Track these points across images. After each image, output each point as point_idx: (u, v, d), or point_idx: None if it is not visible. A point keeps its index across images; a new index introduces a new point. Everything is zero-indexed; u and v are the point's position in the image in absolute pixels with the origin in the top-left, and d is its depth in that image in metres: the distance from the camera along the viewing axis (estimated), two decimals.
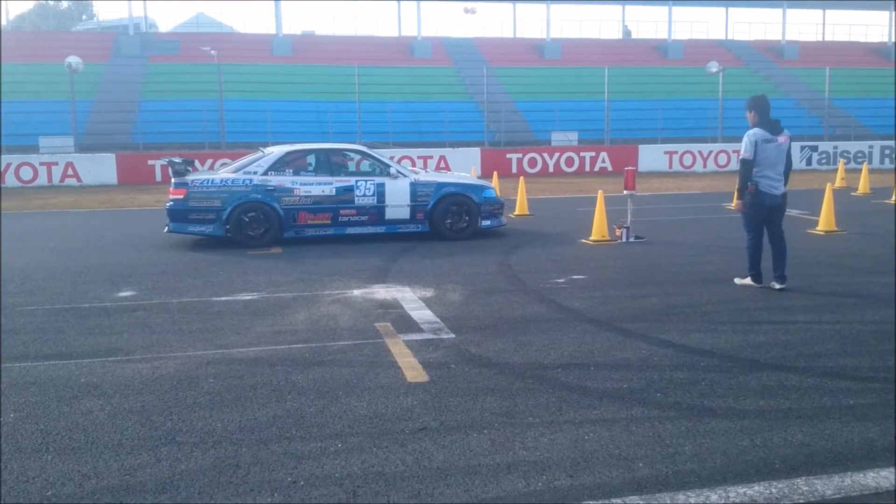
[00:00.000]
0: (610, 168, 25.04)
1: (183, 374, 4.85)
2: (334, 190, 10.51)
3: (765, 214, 7.20)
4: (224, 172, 10.54)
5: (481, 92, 28.67)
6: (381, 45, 36.63)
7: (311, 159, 11.03)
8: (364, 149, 11.59)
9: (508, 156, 24.90)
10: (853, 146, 26.99)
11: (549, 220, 13.30)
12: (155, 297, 7.17)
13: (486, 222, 11.05)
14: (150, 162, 22.40)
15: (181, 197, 10.16)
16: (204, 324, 6.14)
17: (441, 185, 10.98)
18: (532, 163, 24.97)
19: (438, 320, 6.14)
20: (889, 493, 3.19)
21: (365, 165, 11.22)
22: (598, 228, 10.41)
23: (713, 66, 27.58)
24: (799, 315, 6.28)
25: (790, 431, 3.83)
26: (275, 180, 10.32)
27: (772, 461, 3.50)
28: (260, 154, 10.90)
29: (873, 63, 37.78)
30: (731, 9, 41.00)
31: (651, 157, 25.63)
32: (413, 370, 4.85)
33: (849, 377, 4.68)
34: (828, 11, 42.21)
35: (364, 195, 10.59)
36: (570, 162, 25.30)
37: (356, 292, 7.31)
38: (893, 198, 15.10)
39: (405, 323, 6.09)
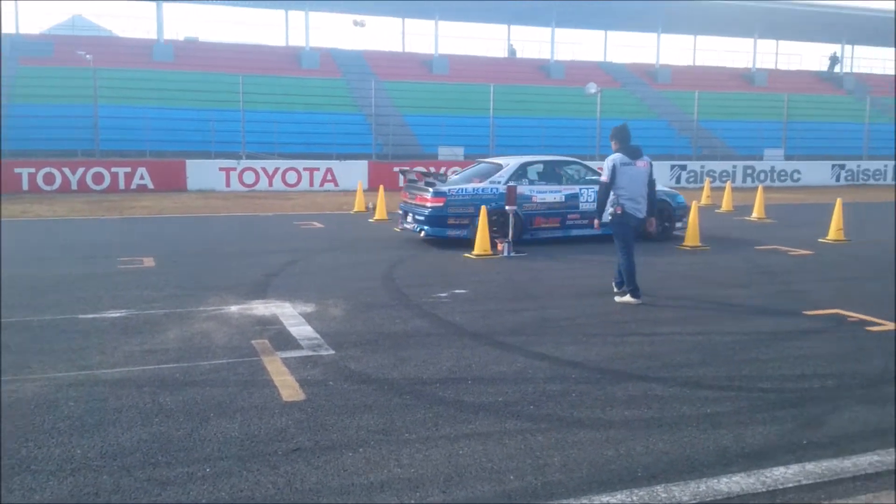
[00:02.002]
0: None
1: (42, 397, 4.58)
2: (563, 197, 11.81)
3: (631, 232, 7.71)
4: (473, 183, 11.62)
5: (370, 105, 28.65)
6: (267, 55, 36.00)
7: (541, 169, 12.25)
8: (580, 161, 13.03)
9: (396, 169, 24.97)
10: (719, 166, 28.67)
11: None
12: (15, 315, 6.74)
13: (678, 224, 12.46)
14: (17, 170, 21.06)
15: (441, 204, 11.16)
16: (67, 343, 5.83)
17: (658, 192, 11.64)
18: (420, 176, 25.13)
19: (318, 336, 6.07)
20: (741, 497, 3.39)
21: (583, 174, 12.46)
22: (481, 242, 10.59)
23: (592, 87, 28.64)
24: (665, 327, 6.61)
25: (652, 440, 4.02)
26: (517, 189, 11.14)
27: (634, 469, 3.65)
28: (495, 165, 12.09)
29: (739, 87, 40.26)
30: (609, 32, 42.80)
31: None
32: (289, 389, 4.77)
33: (707, 386, 4.96)
34: (698, 37, 44.74)
35: (586, 201, 11.78)
36: None
37: (233, 308, 7.13)
38: (753, 214, 16.14)
39: (283, 340, 5.98)
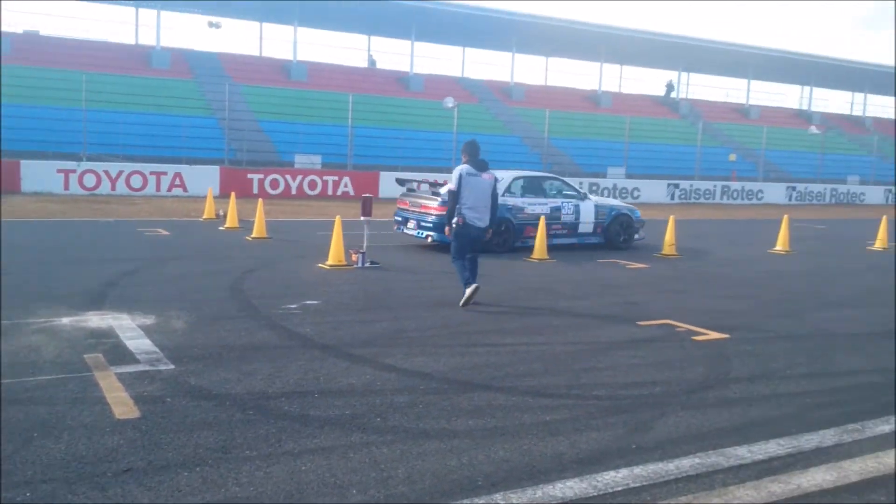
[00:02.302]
0: (352, 192, 25.43)
1: None
2: (549, 209, 13.11)
3: (466, 241, 8.23)
4: None
5: (223, 108, 27.77)
6: (115, 52, 34.07)
7: (529, 183, 13.56)
8: (560, 177, 14.89)
9: (250, 176, 24.35)
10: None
11: (288, 243, 13.18)
12: None
13: (637, 236, 14.24)
14: None
15: (445, 213, 10.95)
16: None
17: (612, 207, 14.22)
18: (274, 184, 24.62)
19: (157, 350, 5.80)
20: (574, 501, 3.54)
21: (563, 189, 13.92)
22: (335, 253, 10.51)
23: (449, 102, 29.21)
24: (511, 337, 6.82)
25: (493, 449, 4.13)
26: (511, 201, 12.62)
27: (475, 478, 3.74)
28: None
29: (586, 108, 42.33)
30: (468, 49, 43.82)
31: (391, 183, 26.32)
32: (123, 406, 4.52)
33: (548, 395, 5.16)
34: (550, 59, 46.68)
35: (566, 213, 13.43)
36: (313, 185, 25.31)
37: (65, 320, 6.67)
38: None
39: (119, 354, 5.67)
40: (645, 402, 5.09)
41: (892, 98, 58.24)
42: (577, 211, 13.61)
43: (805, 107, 53.56)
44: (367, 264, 10.59)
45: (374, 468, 3.81)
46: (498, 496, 3.55)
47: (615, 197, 30.07)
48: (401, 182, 13.93)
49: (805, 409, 5.06)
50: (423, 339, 6.62)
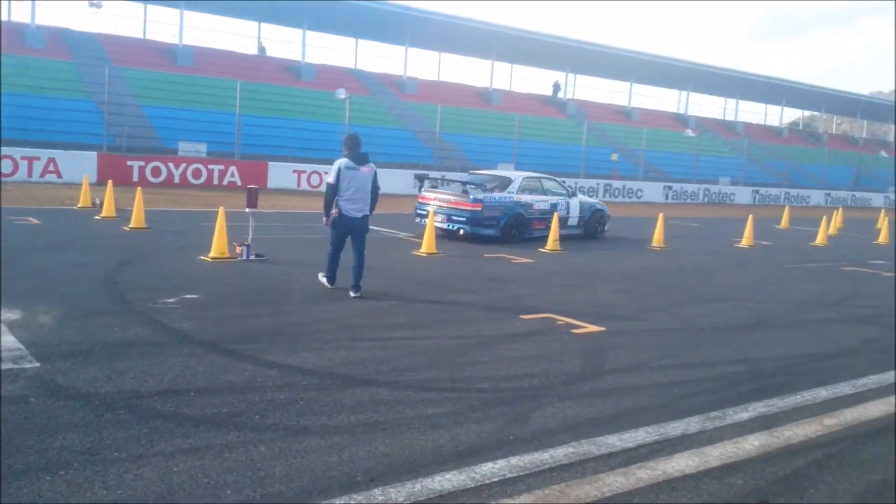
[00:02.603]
0: (239, 182, 24.75)
1: None
2: (549, 205, 15.20)
3: (346, 233, 8.44)
4: (495, 193, 14.45)
5: (102, 92, 26.40)
6: None
7: (533, 183, 15.51)
8: (555, 178, 17.05)
9: (130, 163, 23.29)
10: (458, 177, 30.31)
11: (169, 234, 12.71)
12: None
13: (605, 228, 16.97)
14: None
15: (479, 209, 13.92)
16: None
17: (591, 204, 16.81)
18: (156, 172, 23.65)
19: (22, 347, 5.47)
20: (452, 494, 3.60)
21: (557, 188, 16.10)
22: (218, 245, 10.22)
23: (341, 93, 28.89)
24: (397, 332, 6.84)
25: (374, 444, 4.14)
26: (524, 198, 14.78)
27: (354, 474, 3.73)
28: (504, 178, 15.27)
29: (478, 105, 42.91)
30: (361, 41, 43.47)
31: (281, 174, 25.96)
32: None
33: (431, 389, 5.21)
34: (443, 54, 47.00)
35: (561, 209, 15.40)
36: (197, 174, 24.47)
37: None
38: None
39: None
40: (524, 394, 5.22)
41: (763, 105, 62.08)
42: (568, 207, 15.86)
43: (682, 110, 56.25)
44: (252, 257, 10.36)
45: (250, 467, 3.74)
46: (376, 491, 3.56)
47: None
48: (421, 178, 15.59)
49: (672, 398, 5.33)
50: (307, 334, 6.54)
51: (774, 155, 51.74)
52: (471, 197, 14.01)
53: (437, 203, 14.41)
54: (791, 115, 73.79)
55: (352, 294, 8.23)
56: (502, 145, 35.02)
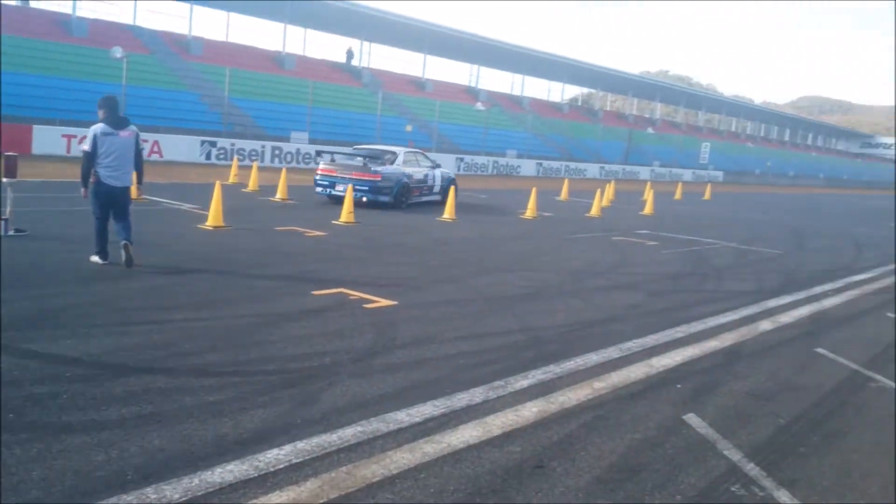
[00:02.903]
0: None
1: None
2: (423, 175, 18.14)
3: (104, 201, 7.98)
4: (386, 165, 16.82)
5: None
6: None
7: (409, 157, 17.96)
8: (423, 152, 20.11)
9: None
10: (249, 144, 29.24)
11: None
12: None
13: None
14: None
15: (379, 179, 16.39)
16: None
17: (446, 174, 19.66)
18: None
19: None
20: (233, 486, 3.43)
21: (426, 161, 18.91)
22: None
23: (118, 52, 26.65)
24: (177, 313, 6.44)
25: (148, 438, 3.86)
26: (406, 170, 17.37)
27: (125, 473, 3.45)
28: (392, 152, 17.57)
29: (270, 69, 41.45)
30: None
31: (47, 139, 23.56)
32: None
33: (214, 374, 4.96)
34: (232, 15, 44.82)
35: (431, 179, 18.50)
36: None
37: None
38: (277, 195, 16.81)
39: None
40: (314, 373, 5.12)
41: (546, 81, 65.64)
42: (434, 177, 18.79)
43: (473, 84, 58.08)
44: (11, 232, 9.30)
45: (2, 473, 3.34)
46: (149, 490, 3.31)
47: (299, 161, 30.07)
48: (320, 153, 18.01)
49: (460, 369, 5.48)
50: (74, 319, 5.98)
51: (556, 129, 54.95)
52: (372, 169, 16.48)
53: (341, 174, 16.60)
54: (571, 91, 78.69)
55: (122, 250, 7.88)
56: (295, 112, 34.19)
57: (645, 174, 52.44)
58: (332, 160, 17.20)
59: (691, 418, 4.79)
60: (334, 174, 16.75)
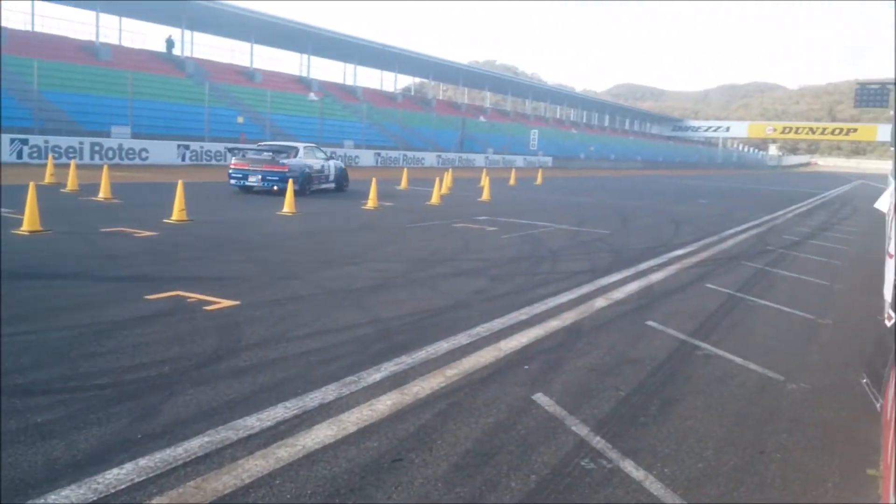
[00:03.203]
0: None
1: None
2: (321, 166, 21.30)
3: None
4: (290, 158, 19.60)
5: None
6: None
7: (308, 151, 20.81)
8: (319, 146, 23.13)
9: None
10: (65, 141, 27.13)
11: None
12: None
13: (347, 182, 22.96)
14: None
15: (286, 170, 18.89)
16: None
17: (339, 164, 22.95)
18: None
19: None
20: None
21: (322, 154, 22.03)
22: None
23: None
24: None
25: None
26: (308, 161, 20.46)
27: None
28: (294, 147, 20.39)
29: (83, 60, 38.61)
30: None
31: None
32: None
33: (39, 392, 4.54)
34: (37, 3, 41.31)
35: (327, 169, 21.70)
36: None
37: None
38: (100, 194, 15.71)
39: None
40: (152, 384, 4.81)
41: (379, 70, 65.61)
42: (329, 168, 21.90)
43: (305, 74, 57.06)
44: None
45: None
46: None
47: (122, 158, 28.32)
48: (232, 150, 20.60)
49: (310, 367, 5.35)
50: None
51: (391, 119, 55.17)
52: (280, 161, 19.10)
53: (253, 168, 19.17)
54: (404, 81, 79.26)
55: None
56: (115, 105, 32.09)
57: (480, 161, 53.83)
58: (244, 156, 19.75)
59: (540, 398, 4.95)
60: (246, 168, 19.26)
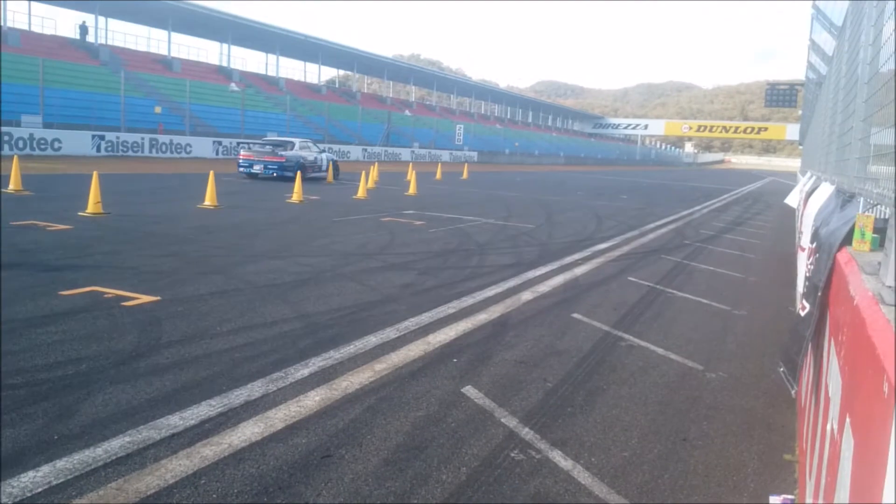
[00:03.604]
0: None
1: None
2: (314, 158, 25.91)
3: None
4: (288, 150, 24.44)
5: None
6: None
7: (303, 145, 25.78)
8: (315, 141, 29.69)
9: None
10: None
11: None
12: None
13: (339, 173, 27.16)
14: None
15: (284, 160, 23.83)
16: None
17: (332, 156, 27.42)
18: None
19: None
20: None
21: (316, 147, 27.00)
22: None
23: None
24: None
25: None
26: (301, 153, 24.92)
27: None
28: (290, 141, 25.36)
29: None
30: None
31: None
32: None
33: None
34: None
35: (320, 160, 26.26)
36: None
37: None
38: (10, 186, 15.00)
39: None
40: (69, 383, 4.62)
41: (302, 62, 64.64)
42: (322, 159, 26.26)
43: (225, 64, 55.77)
44: None
45: None
46: None
47: (33, 148, 27.10)
48: (244, 144, 25.50)
49: (235, 363, 5.23)
50: None
51: (315, 111, 54.52)
52: (279, 153, 23.91)
53: (257, 158, 24.02)
54: (328, 73, 78.40)
55: None
56: (25, 93, 30.67)
57: (406, 156, 53.75)
58: (250, 148, 24.62)
59: (469, 390, 4.98)
60: (252, 158, 24.12)
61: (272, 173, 23.59)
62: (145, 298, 6.90)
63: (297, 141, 25.36)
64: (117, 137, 31.58)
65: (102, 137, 30.79)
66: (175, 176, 24.21)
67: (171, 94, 41.28)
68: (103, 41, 45.97)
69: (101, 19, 45.60)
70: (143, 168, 26.71)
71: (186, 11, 45.23)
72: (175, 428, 4.04)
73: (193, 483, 3.47)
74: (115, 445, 3.78)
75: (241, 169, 24.14)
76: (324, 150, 27.05)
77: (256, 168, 23.87)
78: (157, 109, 36.86)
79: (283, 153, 23.94)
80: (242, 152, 24.57)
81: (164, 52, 50.08)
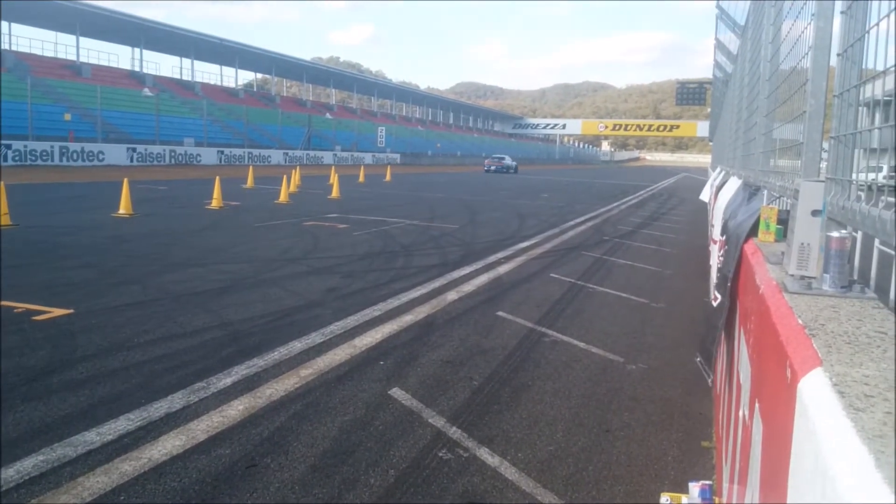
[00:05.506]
0: None
1: None
2: None
3: None
4: None
5: None
6: None
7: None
8: None
9: None
10: None
11: None
12: None
13: None
14: None
15: None
16: None
17: None
18: None
19: None
20: None
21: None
22: None
23: None
24: None
25: None
26: None
27: None
28: None
29: None
30: None
31: None
32: None
33: None
34: None
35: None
36: None
37: None
38: None
39: None
40: None
41: (218, 66, 63.29)
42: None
43: (137, 68, 54.13)
44: None
45: None
46: None
47: None
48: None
49: (154, 376, 5.08)
50: None
51: (233, 115, 53.47)
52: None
53: None
54: (245, 76, 76.98)
55: None
56: None
57: (328, 159, 53.27)
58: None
59: (396, 392, 4.97)
60: None
61: None
62: (58, 312, 6.64)
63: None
64: (25, 146, 30.26)
65: (9, 147, 29.45)
66: (88, 185, 23.35)
67: (82, 100, 39.80)
68: (7, 46, 43.96)
69: (5, 24, 43.62)
70: (53, 177, 25.65)
71: (95, 15, 43.67)
72: (92, 444, 3.90)
73: (112, 500, 3.36)
74: (28, 465, 3.62)
75: None
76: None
77: None
78: (67, 116, 35.48)
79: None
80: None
81: (72, 57, 48.24)
